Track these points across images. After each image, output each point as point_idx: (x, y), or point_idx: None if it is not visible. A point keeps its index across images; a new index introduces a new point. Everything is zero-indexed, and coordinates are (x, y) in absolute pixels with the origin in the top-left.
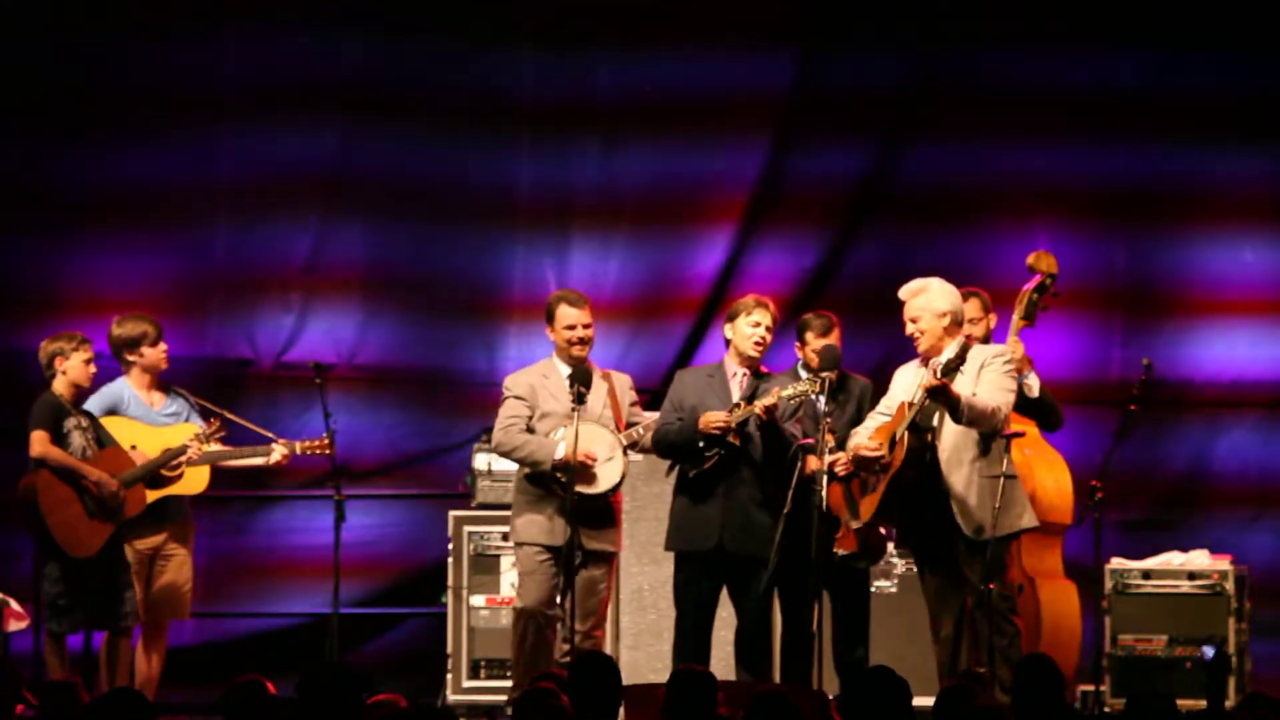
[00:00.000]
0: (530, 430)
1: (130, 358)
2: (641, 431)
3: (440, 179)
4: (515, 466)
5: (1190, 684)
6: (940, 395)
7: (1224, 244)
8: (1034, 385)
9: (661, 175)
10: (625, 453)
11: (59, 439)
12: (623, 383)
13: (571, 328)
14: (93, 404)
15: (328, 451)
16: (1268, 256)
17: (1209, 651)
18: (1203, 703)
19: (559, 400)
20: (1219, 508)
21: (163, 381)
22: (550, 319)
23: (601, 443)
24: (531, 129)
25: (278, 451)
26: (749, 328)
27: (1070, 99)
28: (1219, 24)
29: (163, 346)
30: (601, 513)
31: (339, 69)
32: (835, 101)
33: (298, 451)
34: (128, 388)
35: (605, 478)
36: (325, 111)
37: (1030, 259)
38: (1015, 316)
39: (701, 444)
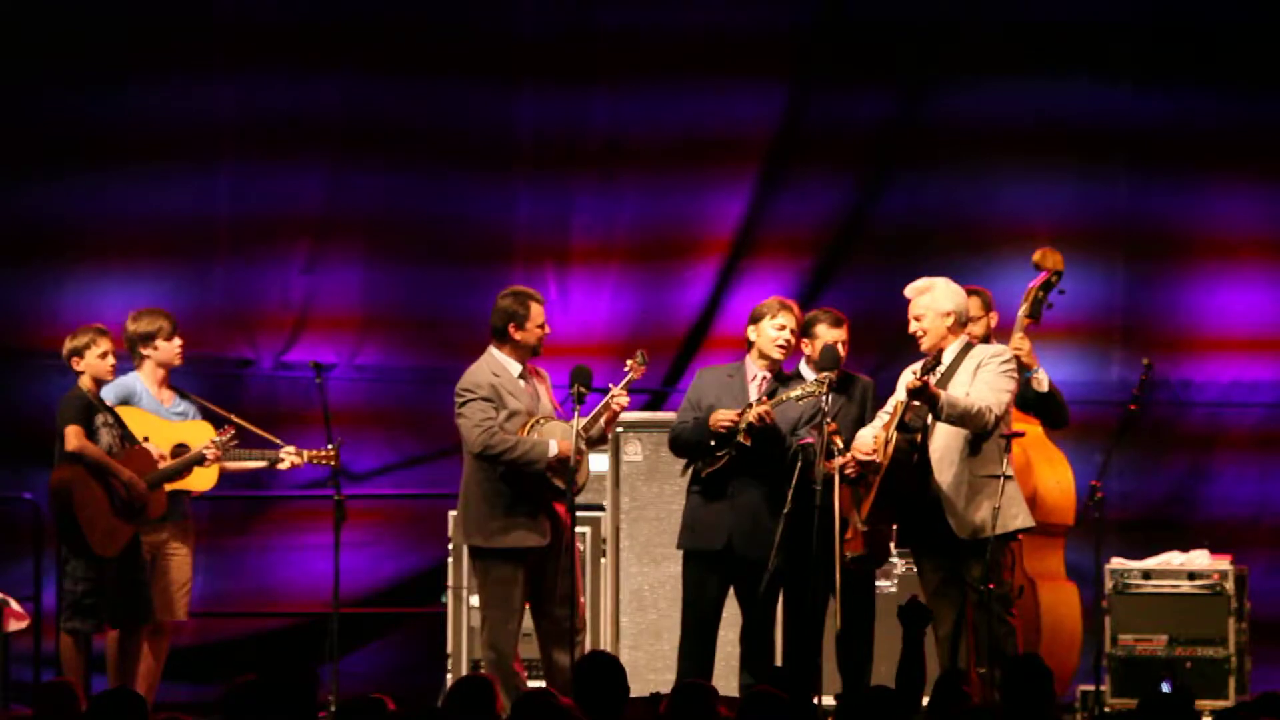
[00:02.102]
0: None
1: (145, 351)
2: (582, 431)
3: (437, 216)
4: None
5: (1190, 684)
6: (920, 394)
7: (1219, 274)
8: (1044, 380)
9: (654, 211)
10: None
11: (89, 435)
12: (549, 381)
13: (542, 326)
14: (105, 394)
15: (333, 463)
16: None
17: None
18: (1210, 703)
19: (518, 398)
20: (1219, 508)
21: (173, 384)
22: (521, 318)
23: (571, 437)
24: (527, 166)
25: (287, 459)
26: (773, 330)
27: (1063, 133)
28: (1215, 58)
29: (178, 341)
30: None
31: (336, 106)
32: (823, 137)
33: (304, 461)
34: (139, 382)
35: (583, 473)
36: (322, 148)
37: (1036, 256)
38: (1020, 313)
39: (712, 443)
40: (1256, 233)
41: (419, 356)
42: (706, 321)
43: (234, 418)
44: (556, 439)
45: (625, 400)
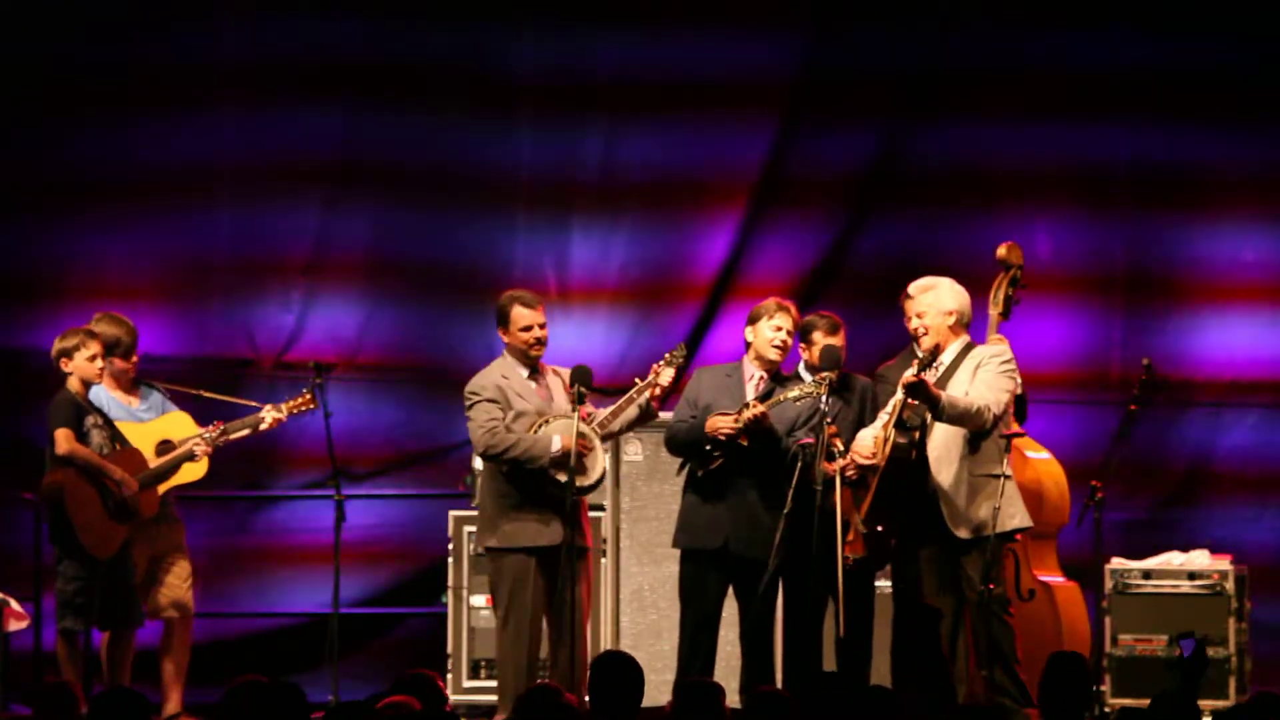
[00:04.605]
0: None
1: (102, 363)
2: (609, 419)
3: (433, 253)
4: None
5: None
6: (917, 392)
7: (1219, 315)
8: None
9: (645, 249)
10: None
11: (80, 438)
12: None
13: (528, 329)
14: None
15: (313, 406)
16: (1267, 250)
17: (1188, 646)
18: (1210, 703)
19: (526, 399)
20: (1219, 506)
21: (135, 380)
22: (505, 321)
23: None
24: (522, 204)
25: (269, 417)
26: (770, 331)
27: (1055, 173)
28: (1213, 97)
29: (134, 360)
30: (579, 507)
31: (334, 144)
32: (814, 178)
33: (285, 413)
34: (105, 391)
35: (595, 469)
36: (319, 186)
37: (1001, 252)
38: (994, 313)
39: (708, 446)
40: (1257, 272)
41: (419, 357)
42: (690, 357)
43: (204, 393)
44: (560, 435)
45: (668, 378)
